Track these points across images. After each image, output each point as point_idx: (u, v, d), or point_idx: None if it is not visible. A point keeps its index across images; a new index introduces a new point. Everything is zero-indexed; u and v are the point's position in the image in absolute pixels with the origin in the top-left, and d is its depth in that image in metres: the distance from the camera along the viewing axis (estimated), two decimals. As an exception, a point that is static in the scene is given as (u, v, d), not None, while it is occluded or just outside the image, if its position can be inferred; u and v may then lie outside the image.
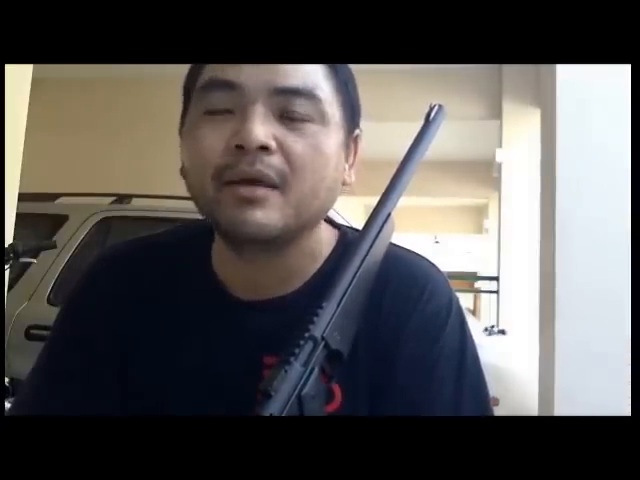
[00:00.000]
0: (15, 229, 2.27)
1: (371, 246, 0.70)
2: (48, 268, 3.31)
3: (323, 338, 0.62)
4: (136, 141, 5.92)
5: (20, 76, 2.24)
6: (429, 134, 0.77)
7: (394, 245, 0.77)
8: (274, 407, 0.58)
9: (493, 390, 0.77)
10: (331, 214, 0.79)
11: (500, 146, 5.74)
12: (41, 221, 3.54)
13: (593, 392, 2.03)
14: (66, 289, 0.85)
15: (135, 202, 3.83)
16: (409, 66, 5.17)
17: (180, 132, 0.74)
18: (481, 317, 10.21)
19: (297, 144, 0.68)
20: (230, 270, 0.76)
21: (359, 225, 0.73)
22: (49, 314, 0.85)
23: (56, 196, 3.92)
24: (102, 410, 0.76)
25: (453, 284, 0.79)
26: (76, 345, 0.79)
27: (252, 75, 0.68)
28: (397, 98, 5.67)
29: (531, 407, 2.60)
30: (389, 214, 0.72)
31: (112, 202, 3.79)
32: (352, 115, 0.75)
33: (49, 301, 3.26)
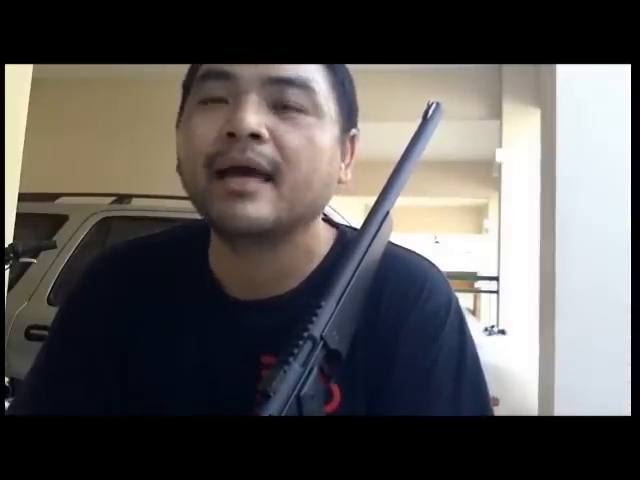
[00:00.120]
0: (15, 229, 2.27)
1: (370, 245, 0.69)
2: (48, 268, 3.31)
3: (322, 338, 0.62)
4: (136, 141, 5.91)
5: (20, 76, 2.24)
6: (427, 132, 0.77)
7: (393, 244, 0.76)
8: (273, 407, 0.57)
9: (493, 390, 0.77)
10: (330, 213, 0.79)
11: (500, 146, 5.74)
12: (41, 221, 3.54)
13: (593, 392, 2.03)
14: (66, 289, 0.85)
15: (135, 202, 3.84)
16: (409, 66, 5.17)
17: (177, 125, 0.74)
18: (481, 317, 10.21)
19: (290, 134, 0.68)
20: (226, 268, 0.76)
21: (359, 225, 0.73)
22: (49, 314, 0.84)
23: (56, 196, 3.93)
24: (101, 410, 0.76)
25: (453, 284, 0.78)
26: (75, 344, 0.79)
27: (247, 65, 0.68)
28: (397, 98, 5.67)
29: (531, 407, 2.60)
30: (387, 213, 0.72)
31: (112, 202, 3.79)
32: (349, 113, 0.75)
33: (49, 301, 3.26)
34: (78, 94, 6.12)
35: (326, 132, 0.71)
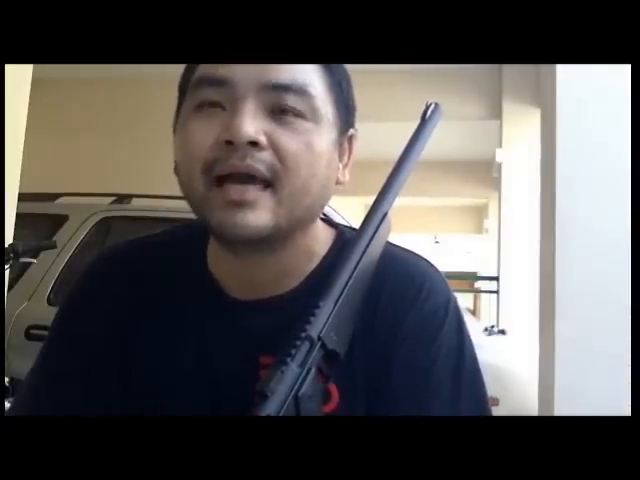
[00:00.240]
0: (15, 229, 2.27)
1: (368, 245, 0.69)
2: (48, 268, 3.31)
3: (320, 338, 0.62)
4: (136, 141, 5.91)
5: (20, 76, 2.24)
6: (425, 133, 0.77)
7: (391, 244, 0.76)
8: (271, 408, 0.57)
9: (493, 390, 0.77)
10: (331, 214, 0.79)
11: (500, 146, 5.74)
12: (41, 221, 3.54)
13: (593, 392, 2.03)
14: (66, 289, 0.85)
15: (135, 202, 3.83)
16: (409, 66, 5.17)
17: (174, 129, 0.74)
18: (481, 317, 10.21)
19: (288, 140, 0.68)
20: (225, 269, 0.76)
21: (358, 225, 0.73)
22: (49, 314, 0.84)
23: (56, 196, 3.92)
24: (101, 410, 0.76)
25: (453, 284, 0.79)
26: (75, 344, 0.79)
27: (243, 71, 0.68)
28: (397, 98, 5.66)
29: (531, 407, 2.60)
30: (386, 213, 0.72)
31: (112, 202, 3.79)
32: (346, 114, 0.75)
33: (49, 301, 3.26)
34: (78, 94, 6.11)
35: (324, 136, 0.70)
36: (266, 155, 0.67)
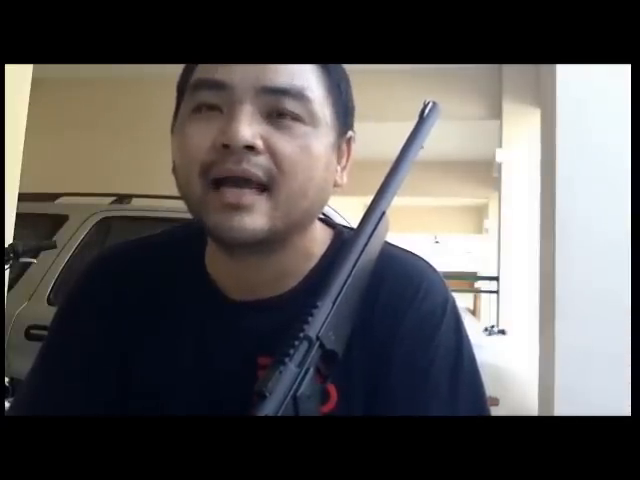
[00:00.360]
0: (15, 229, 2.27)
1: (366, 244, 0.69)
2: (48, 268, 3.31)
3: (318, 338, 0.62)
4: (136, 141, 5.91)
5: (20, 76, 2.24)
6: (423, 131, 0.77)
7: (389, 244, 0.76)
8: (269, 408, 0.58)
9: (493, 390, 0.77)
10: (331, 214, 0.79)
11: (500, 146, 5.74)
12: (41, 221, 3.54)
13: (593, 392, 2.03)
14: (66, 289, 0.85)
15: (135, 202, 3.83)
16: (409, 66, 5.17)
17: (172, 130, 0.74)
18: (481, 317, 10.20)
19: (285, 144, 0.68)
20: (223, 271, 0.76)
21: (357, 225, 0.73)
22: (49, 314, 0.85)
23: (56, 196, 3.92)
24: (101, 410, 0.76)
25: (453, 284, 0.79)
26: (74, 344, 0.79)
27: (241, 74, 0.68)
28: (397, 98, 5.66)
29: (531, 407, 2.60)
30: (384, 212, 0.72)
31: (112, 202, 3.79)
32: (345, 116, 0.74)
33: (49, 301, 3.26)
34: (78, 94, 6.11)
35: (322, 139, 0.70)
36: (262, 159, 0.67)
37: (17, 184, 2.27)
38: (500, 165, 5.76)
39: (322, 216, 0.79)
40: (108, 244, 3.15)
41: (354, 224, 0.78)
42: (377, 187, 0.74)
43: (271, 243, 0.71)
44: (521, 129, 5.53)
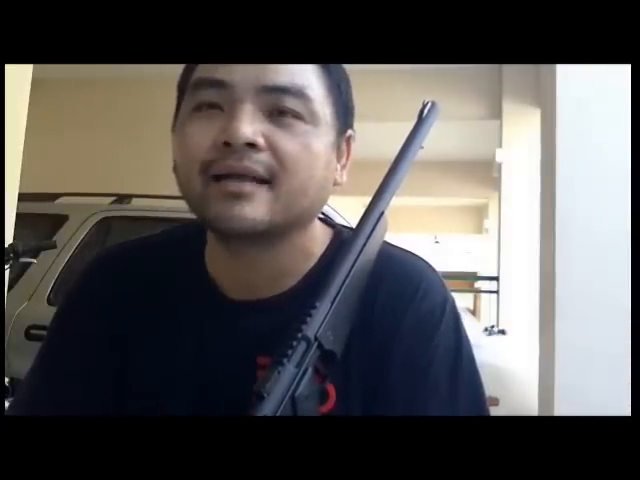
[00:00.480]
0: (15, 229, 2.27)
1: (364, 244, 0.70)
2: (48, 268, 3.31)
3: (316, 338, 0.63)
4: (136, 141, 5.91)
5: (20, 76, 2.24)
6: (422, 131, 0.77)
7: (389, 244, 0.76)
8: (268, 408, 0.58)
9: (493, 390, 0.77)
10: (331, 214, 0.79)
11: (500, 146, 5.74)
12: (41, 221, 3.54)
13: (593, 392, 2.03)
14: (66, 289, 0.85)
15: (135, 202, 3.83)
16: (409, 66, 5.17)
17: (173, 129, 0.74)
18: (481, 317, 10.20)
19: (287, 141, 0.68)
20: (222, 269, 0.76)
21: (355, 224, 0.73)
22: (49, 314, 0.85)
23: (56, 196, 3.92)
24: (100, 410, 0.76)
25: (453, 284, 0.79)
26: (73, 344, 0.79)
27: (241, 73, 0.68)
28: (397, 98, 5.66)
29: (531, 407, 2.60)
30: (382, 212, 0.72)
31: (112, 202, 3.79)
32: (345, 116, 0.75)
33: (49, 301, 3.26)
34: (78, 94, 6.11)
35: (322, 138, 0.70)
36: (264, 156, 0.67)
37: (17, 184, 2.27)
38: (500, 165, 5.76)
39: (322, 215, 0.79)
40: (108, 244, 3.15)
41: (354, 224, 0.78)
42: (376, 187, 0.74)
43: (270, 237, 0.71)
44: (521, 129, 5.53)
